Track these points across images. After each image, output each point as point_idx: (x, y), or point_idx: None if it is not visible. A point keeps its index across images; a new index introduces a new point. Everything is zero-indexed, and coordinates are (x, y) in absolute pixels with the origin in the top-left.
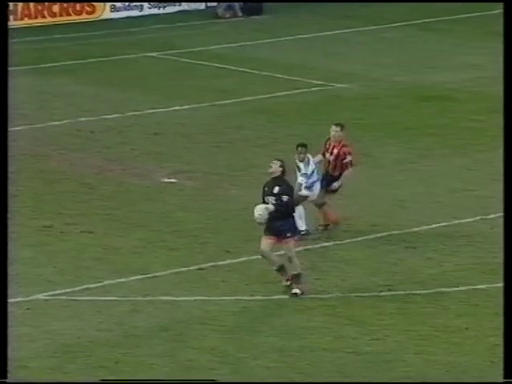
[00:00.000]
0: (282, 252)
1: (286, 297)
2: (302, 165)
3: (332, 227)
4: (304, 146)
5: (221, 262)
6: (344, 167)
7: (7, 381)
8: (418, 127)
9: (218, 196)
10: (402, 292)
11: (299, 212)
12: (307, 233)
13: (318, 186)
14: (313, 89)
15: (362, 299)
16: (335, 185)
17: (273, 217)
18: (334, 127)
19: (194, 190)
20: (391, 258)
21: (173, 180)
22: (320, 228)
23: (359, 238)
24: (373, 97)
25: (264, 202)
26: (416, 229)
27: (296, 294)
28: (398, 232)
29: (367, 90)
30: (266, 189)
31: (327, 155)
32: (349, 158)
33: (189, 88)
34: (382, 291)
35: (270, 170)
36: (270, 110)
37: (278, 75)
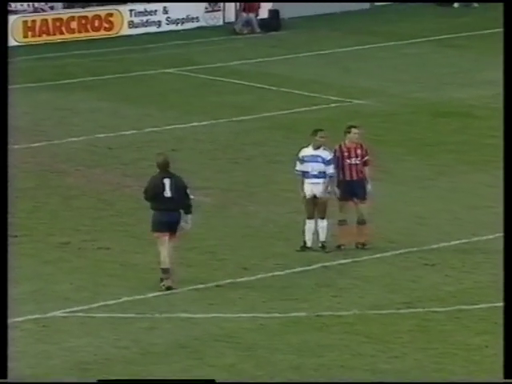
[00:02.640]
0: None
1: (304, 314)
2: (320, 152)
3: (345, 246)
4: (322, 130)
5: (239, 279)
6: (363, 167)
7: (7, 381)
8: (436, 144)
9: (235, 213)
10: (421, 309)
11: (308, 226)
12: (306, 248)
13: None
14: (331, 105)
15: (380, 317)
16: (369, 187)
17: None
18: (353, 129)
19: (212, 206)
20: (410, 275)
21: (190, 196)
22: (359, 246)
23: (377, 255)
24: (391, 113)
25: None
26: (435, 246)
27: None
28: (416, 249)
29: (386, 107)
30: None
31: (348, 161)
32: (367, 157)
33: (207, 104)
34: (400, 308)
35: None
36: (288, 126)
37: (297, 91)
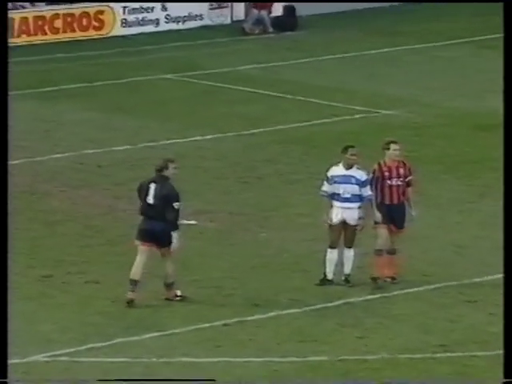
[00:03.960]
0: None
1: (324, 358)
2: (353, 172)
3: (382, 280)
4: (354, 146)
5: (248, 318)
6: (406, 188)
7: (7, 381)
8: (477, 160)
9: (244, 240)
10: (461, 354)
11: (330, 256)
12: (327, 282)
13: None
14: (355, 116)
15: (412, 361)
16: (413, 213)
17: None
18: (392, 145)
19: (218, 233)
20: (447, 314)
21: (193, 222)
22: (387, 280)
23: (410, 290)
24: (425, 125)
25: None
26: (477, 279)
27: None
28: (455, 283)
29: (418, 118)
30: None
31: (389, 182)
32: (411, 177)
33: (212, 115)
34: (436, 352)
35: (176, 170)
36: (305, 141)
37: (315, 100)
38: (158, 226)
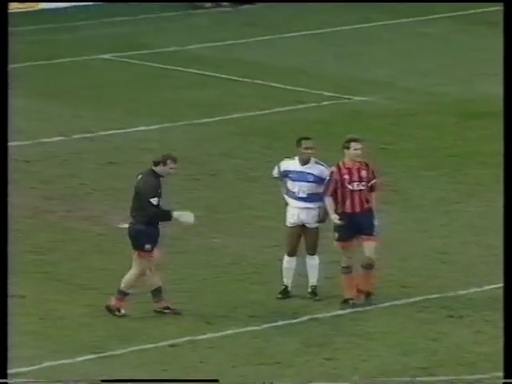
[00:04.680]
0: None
1: (288, 383)
2: (310, 168)
3: (355, 301)
4: (309, 138)
5: (200, 337)
6: (369, 194)
7: (7, 381)
8: (466, 155)
9: (195, 247)
10: (444, 377)
11: (288, 265)
12: (286, 294)
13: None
14: (323, 103)
15: None
16: (376, 222)
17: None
18: (353, 144)
19: (165, 239)
20: (429, 331)
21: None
22: (361, 297)
23: (386, 304)
24: (405, 113)
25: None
26: (462, 291)
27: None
28: (438, 296)
29: (398, 105)
30: (159, 191)
31: (349, 187)
32: (374, 180)
33: (158, 102)
34: (416, 376)
35: (173, 171)
36: (266, 132)
37: (277, 85)
38: (132, 230)
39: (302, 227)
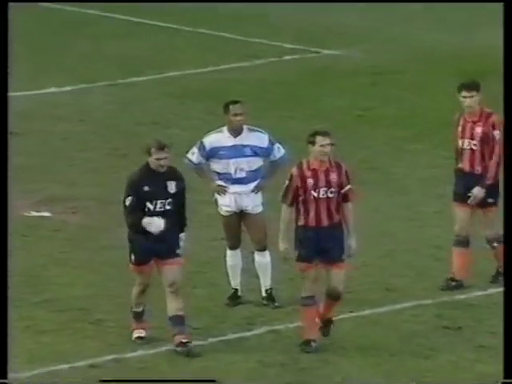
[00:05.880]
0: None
1: None
2: (244, 138)
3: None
4: (238, 102)
5: (128, 355)
6: (341, 204)
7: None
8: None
9: (123, 241)
10: None
11: (232, 261)
12: (236, 299)
13: None
14: (285, 57)
15: None
16: (352, 243)
17: (166, 228)
18: (319, 138)
19: (82, 230)
20: (419, 347)
21: (45, 214)
22: (321, 327)
23: (365, 312)
24: (386, 70)
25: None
26: (461, 296)
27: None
28: (430, 301)
29: (378, 60)
30: (147, 189)
31: (314, 194)
32: (349, 186)
33: (73, 57)
34: None
35: (162, 162)
36: (211, 94)
37: (225, 34)
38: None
39: (241, 214)
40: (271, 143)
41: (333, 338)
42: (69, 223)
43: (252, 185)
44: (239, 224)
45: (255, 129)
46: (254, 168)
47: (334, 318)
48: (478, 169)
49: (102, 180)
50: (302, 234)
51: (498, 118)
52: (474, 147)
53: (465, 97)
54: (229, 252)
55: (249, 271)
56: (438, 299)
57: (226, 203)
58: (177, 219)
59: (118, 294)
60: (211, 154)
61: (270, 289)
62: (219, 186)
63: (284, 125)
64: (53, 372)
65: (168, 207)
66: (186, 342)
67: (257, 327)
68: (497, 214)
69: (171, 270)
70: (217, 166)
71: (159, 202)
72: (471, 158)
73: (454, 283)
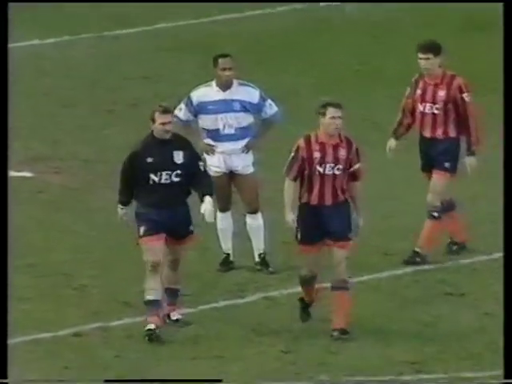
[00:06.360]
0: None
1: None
2: (234, 92)
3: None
4: (227, 56)
5: (114, 323)
6: (349, 183)
7: (7, 381)
8: (468, 77)
9: (109, 203)
10: (442, 375)
11: (224, 224)
12: (228, 264)
13: None
14: (278, 9)
15: None
16: (361, 224)
17: (173, 202)
18: (330, 109)
19: (66, 191)
20: (421, 314)
21: (26, 174)
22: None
23: (364, 277)
24: (388, 23)
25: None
26: (465, 260)
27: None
28: (432, 266)
29: (378, 11)
30: (150, 160)
31: (320, 169)
32: (358, 165)
33: (56, 7)
34: (403, 373)
35: (167, 126)
36: (204, 47)
37: None
38: None
39: (231, 175)
40: (262, 99)
41: (330, 306)
42: (52, 184)
43: (242, 142)
44: (229, 185)
45: (246, 83)
46: (243, 125)
47: (348, 328)
48: (440, 133)
49: (87, 138)
50: (304, 213)
51: (462, 79)
52: (435, 111)
53: (420, 58)
54: (219, 214)
55: (241, 235)
56: (439, 264)
57: (215, 163)
58: (188, 191)
59: (103, 258)
60: (199, 110)
61: (264, 253)
62: (207, 145)
63: (277, 80)
64: (34, 341)
65: (176, 179)
66: (177, 320)
67: (249, 294)
68: (446, 181)
69: (178, 246)
70: (205, 122)
71: (164, 173)
72: (433, 122)
73: (455, 246)
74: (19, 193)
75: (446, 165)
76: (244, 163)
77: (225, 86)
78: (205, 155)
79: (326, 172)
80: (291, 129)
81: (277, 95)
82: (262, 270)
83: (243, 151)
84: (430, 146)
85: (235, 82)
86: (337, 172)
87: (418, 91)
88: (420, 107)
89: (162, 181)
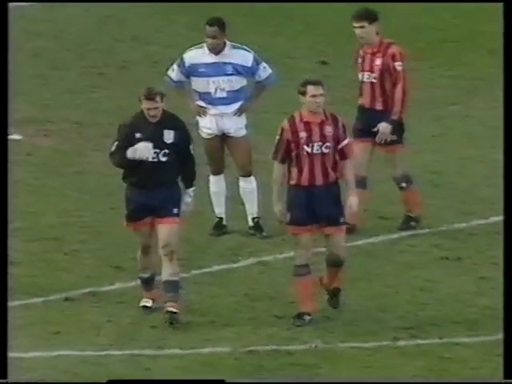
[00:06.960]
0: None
1: (226, 349)
2: (225, 55)
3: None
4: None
5: (106, 288)
6: (338, 162)
7: (7, 381)
8: (465, 37)
9: (99, 166)
10: (438, 340)
11: (216, 187)
12: (221, 228)
13: None
14: None
15: (362, 353)
16: (353, 202)
17: (159, 182)
18: (310, 88)
19: (55, 154)
20: (415, 279)
21: (15, 137)
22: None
23: (358, 242)
24: None
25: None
26: (461, 224)
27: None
28: (427, 230)
29: None
30: (138, 135)
31: (307, 149)
32: (346, 141)
33: None
34: (398, 338)
35: (152, 112)
36: (194, 7)
37: None
38: None
39: (224, 138)
40: (256, 62)
41: (324, 270)
42: (41, 147)
43: (234, 106)
44: (222, 148)
45: (240, 46)
46: (235, 88)
47: (341, 286)
48: (379, 103)
49: (76, 100)
50: (294, 195)
51: (398, 48)
52: (373, 80)
53: (355, 27)
54: (212, 178)
55: (234, 199)
56: (435, 228)
57: (207, 125)
58: (177, 172)
59: (94, 222)
60: (190, 71)
61: (257, 217)
62: (199, 106)
63: (271, 41)
64: (25, 306)
65: (163, 158)
66: (173, 313)
67: (243, 258)
68: (401, 152)
69: (165, 230)
70: (196, 84)
71: (152, 151)
72: (371, 92)
73: (413, 222)
74: (8, 156)
75: (393, 137)
76: (236, 126)
77: (216, 50)
78: (197, 117)
79: (314, 151)
80: (285, 91)
81: (271, 57)
82: (256, 234)
83: (236, 114)
84: (369, 116)
85: (228, 44)
86: (325, 150)
87: (359, 60)
88: (360, 76)
89: (150, 159)
